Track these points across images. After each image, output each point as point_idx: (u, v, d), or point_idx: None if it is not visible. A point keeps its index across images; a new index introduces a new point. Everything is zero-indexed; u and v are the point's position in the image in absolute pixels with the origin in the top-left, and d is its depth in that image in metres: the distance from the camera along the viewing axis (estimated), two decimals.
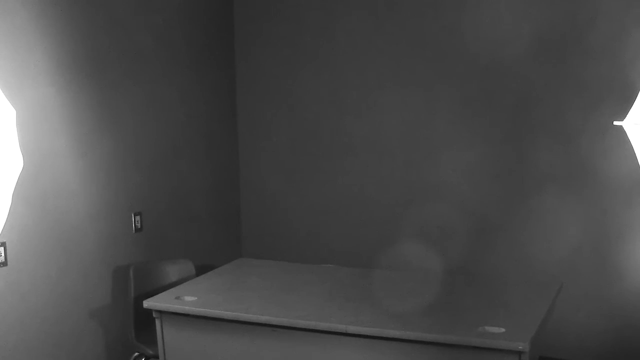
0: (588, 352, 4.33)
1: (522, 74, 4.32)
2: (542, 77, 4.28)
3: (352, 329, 2.87)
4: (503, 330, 2.76)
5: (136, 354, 3.66)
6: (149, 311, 3.25)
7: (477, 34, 4.35)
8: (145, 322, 3.49)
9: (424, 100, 4.59)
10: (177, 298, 3.26)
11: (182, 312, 3.17)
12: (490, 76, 4.39)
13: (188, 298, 3.26)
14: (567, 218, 4.30)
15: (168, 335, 3.24)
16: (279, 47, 4.92)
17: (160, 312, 3.22)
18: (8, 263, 3.28)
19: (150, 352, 3.55)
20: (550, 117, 4.29)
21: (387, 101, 4.68)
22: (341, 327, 2.89)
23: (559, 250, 4.31)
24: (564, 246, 4.30)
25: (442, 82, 4.53)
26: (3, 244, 3.24)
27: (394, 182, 4.70)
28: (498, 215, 4.47)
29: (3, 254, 3.25)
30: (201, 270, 3.96)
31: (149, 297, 3.32)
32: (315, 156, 4.91)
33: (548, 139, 4.30)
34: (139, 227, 4.09)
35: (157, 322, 3.24)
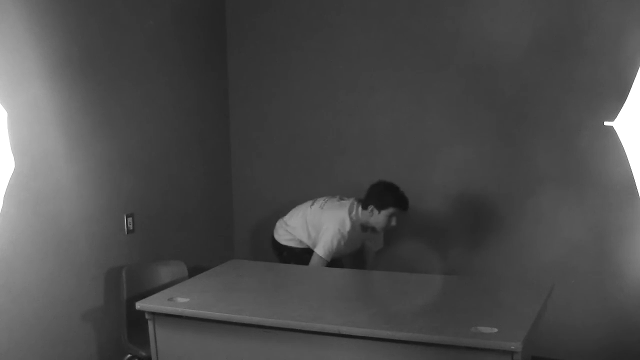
0: (581, 352, 4.34)
1: (519, 73, 4.31)
2: (539, 76, 4.27)
3: (345, 329, 2.87)
4: (496, 330, 2.76)
5: (129, 355, 3.65)
6: (141, 313, 3.24)
7: (473, 34, 4.35)
8: (137, 323, 3.48)
9: (419, 100, 4.58)
10: (170, 299, 3.26)
11: (175, 314, 3.16)
12: (486, 76, 4.38)
13: (181, 299, 3.25)
14: (563, 218, 4.29)
15: (161, 337, 3.23)
16: (271, 48, 4.91)
17: (152, 313, 3.21)
18: None
19: (143, 353, 3.54)
20: (548, 117, 4.28)
21: (382, 100, 4.68)
22: (334, 328, 2.88)
23: (555, 250, 4.31)
24: (560, 246, 4.29)
25: (437, 82, 4.52)
26: None
27: None
28: (494, 216, 4.47)
29: None
30: (194, 271, 3.95)
31: (141, 298, 3.31)
32: (309, 156, 4.91)
33: (545, 138, 4.30)
34: (132, 228, 4.08)
35: (150, 324, 3.23)
